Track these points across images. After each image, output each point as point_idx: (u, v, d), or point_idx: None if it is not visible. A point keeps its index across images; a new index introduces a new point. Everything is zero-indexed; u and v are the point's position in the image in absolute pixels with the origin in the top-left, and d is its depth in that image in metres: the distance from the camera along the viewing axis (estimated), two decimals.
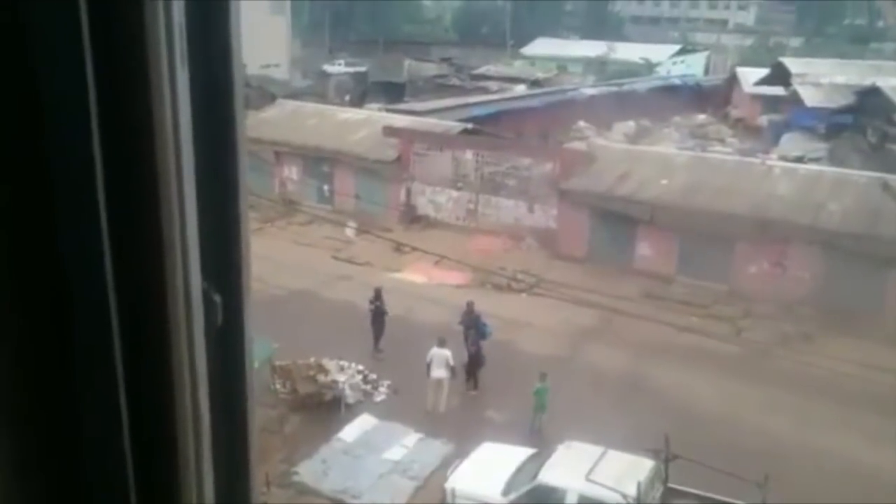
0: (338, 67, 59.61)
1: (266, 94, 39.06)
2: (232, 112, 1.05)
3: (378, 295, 20.04)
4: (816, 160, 30.72)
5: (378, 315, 19.87)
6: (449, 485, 13.85)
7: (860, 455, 15.89)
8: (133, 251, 0.91)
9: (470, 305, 19.44)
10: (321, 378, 17.61)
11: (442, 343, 17.47)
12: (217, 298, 1.07)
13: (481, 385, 18.41)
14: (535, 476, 13.51)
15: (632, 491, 12.42)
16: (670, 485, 13.47)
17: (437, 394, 17.40)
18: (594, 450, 13.74)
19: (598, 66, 63.05)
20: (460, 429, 16.67)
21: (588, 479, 12.89)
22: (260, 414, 16.29)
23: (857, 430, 16.77)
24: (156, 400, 0.97)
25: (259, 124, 34.09)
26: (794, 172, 26.12)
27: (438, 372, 17.30)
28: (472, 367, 18.33)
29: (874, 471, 15.43)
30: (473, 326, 18.74)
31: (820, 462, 15.65)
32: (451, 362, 17.30)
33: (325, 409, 17.24)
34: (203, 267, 0.99)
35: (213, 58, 1.01)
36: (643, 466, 13.20)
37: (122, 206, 0.88)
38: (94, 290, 0.89)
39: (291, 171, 32.66)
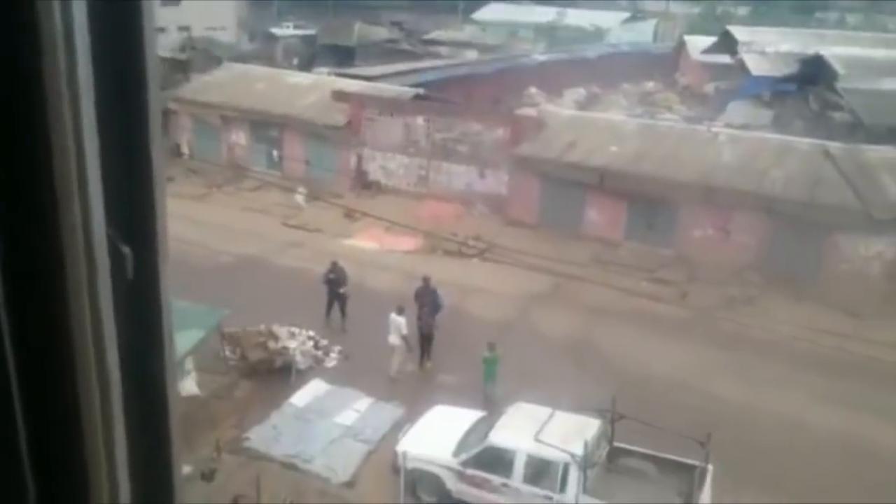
0: (286, 30, 58.49)
1: (212, 57, 38.29)
2: (142, 49, 0.96)
3: (334, 267, 19.75)
4: (761, 128, 31.26)
5: (334, 286, 19.66)
6: (400, 447, 13.99)
7: (802, 414, 16.45)
8: (23, 197, 0.84)
9: (426, 280, 18.87)
10: (271, 345, 17.56)
11: (400, 311, 17.49)
12: (126, 250, 0.97)
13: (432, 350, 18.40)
14: (485, 437, 13.72)
15: (579, 450, 12.71)
16: (616, 444, 13.83)
17: (392, 359, 17.45)
18: (542, 411, 14.00)
19: (549, 32, 62.98)
20: (413, 394, 16.80)
21: (536, 440, 13.14)
22: (210, 381, 16.24)
23: (798, 389, 17.35)
24: (52, 372, 0.87)
25: (205, 88, 33.45)
26: (739, 140, 26.58)
27: (392, 338, 17.37)
28: (426, 345, 18.07)
29: (815, 428, 16.02)
30: (429, 302, 18.29)
31: (762, 421, 16.17)
32: (405, 331, 17.33)
33: (276, 376, 17.21)
34: (110, 215, 0.91)
35: None
36: (590, 426, 13.49)
37: (8, 150, 0.83)
38: None
39: (239, 136, 32.15)
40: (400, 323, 17.33)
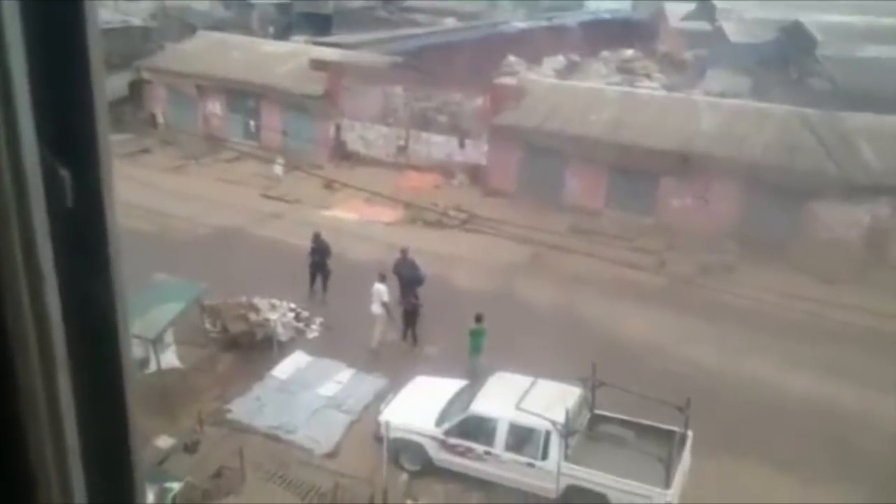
0: None
1: (186, 25, 37.63)
2: None
3: (317, 239, 19.56)
4: (740, 95, 31.31)
5: (318, 258, 19.54)
6: (383, 417, 14.05)
7: (779, 379, 16.68)
8: None
9: (404, 252, 18.66)
10: (252, 317, 17.50)
11: (381, 279, 17.44)
12: (64, 173, 0.85)
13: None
14: (467, 406, 13.81)
15: (560, 418, 12.83)
16: (597, 411, 13.97)
17: (374, 329, 17.43)
18: (524, 380, 14.10)
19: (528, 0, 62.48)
20: (395, 365, 16.81)
21: (518, 408, 13.25)
22: (191, 354, 16.19)
23: (775, 355, 17.57)
24: None
25: (180, 57, 32.95)
26: (718, 107, 26.62)
27: (374, 307, 17.33)
28: (410, 323, 17.71)
29: (792, 393, 16.26)
30: (408, 275, 18.06)
31: (740, 386, 16.39)
32: (385, 298, 17.29)
33: (258, 348, 17.18)
34: (43, 134, 0.80)
35: None
36: (571, 394, 13.61)
37: None
38: None
39: (215, 106, 31.77)
40: (381, 291, 17.29)
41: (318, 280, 19.50)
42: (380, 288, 17.31)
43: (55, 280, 0.81)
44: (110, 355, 0.93)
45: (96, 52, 0.88)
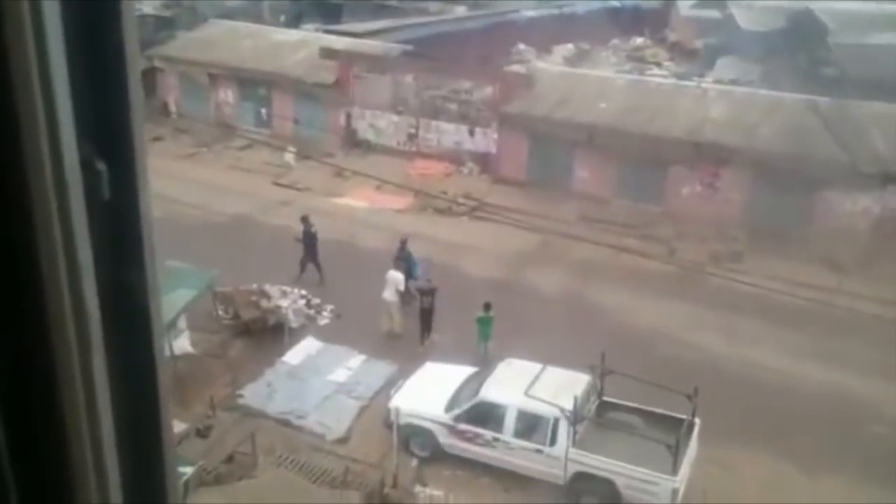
0: None
1: (198, 13, 37.68)
2: None
3: (306, 222, 19.74)
4: (750, 83, 31.19)
5: (309, 240, 19.68)
6: (393, 403, 14.20)
7: (788, 367, 16.75)
8: None
9: (403, 243, 18.80)
10: (264, 303, 17.67)
11: (398, 266, 17.58)
12: (101, 167, 0.87)
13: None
14: (476, 393, 13.95)
15: (568, 405, 12.96)
16: (605, 398, 14.09)
17: (388, 316, 17.57)
18: (533, 367, 14.22)
19: None
20: (405, 353, 16.93)
21: (527, 395, 13.38)
22: (203, 340, 16.38)
23: (784, 343, 17.63)
24: (20, 318, 0.77)
25: (192, 45, 33.04)
26: (728, 95, 26.55)
27: (388, 294, 17.47)
28: (426, 321, 17.43)
29: (801, 382, 16.33)
30: (405, 267, 18.07)
31: (747, 374, 16.46)
32: (402, 287, 17.41)
33: (269, 334, 17.36)
34: (81, 130, 0.82)
35: None
36: (580, 381, 13.72)
37: None
38: None
39: (227, 94, 31.85)
40: (398, 279, 17.41)
41: (310, 265, 19.57)
42: (396, 276, 17.43)
43: (92, 270, 0.84)
44: (144, 341, 0.97)
45: (132, 48, 0.91)
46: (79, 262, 0.81)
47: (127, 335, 0.93)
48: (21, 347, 0.78)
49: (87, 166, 0.83)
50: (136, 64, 0.91)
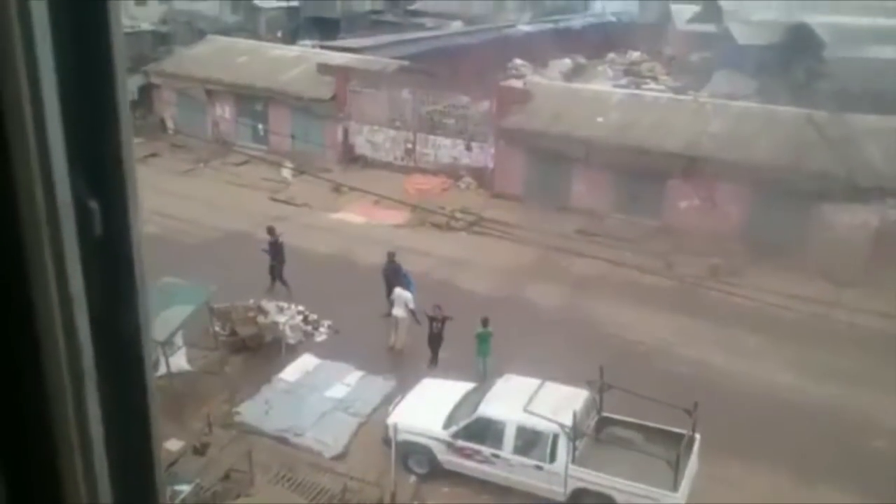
0: (269, 2, 57.69)
1: (194, 29, 37.84)
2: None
3: (273, 232, 19.76)
4: (746, 97, 31.27)
5: (276, 250, 19.66)
6: (391, 420, 14.10)
7: (786, 381, 16.68)
8: None
9: (391, 256, 18.79)
10: (261, 319, 17.60)
11: (405, 286, 17.57)
12: (94, 205, 0.88)
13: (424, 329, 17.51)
14: (475, 409, 13.85)
15: (568, 421, 12.87)
16: (604, 414, 14.00)
17: (394, 332, 17.50)
18: (532, 382, 14.13)
19: (534, 2, 62.53)
20: (403, 368, 16.86)
21: (526, 411, 13.29)
22: (200, 356, 16.27)
23: (782, 357, 17.57)
24: (14, 348, 0.78)
25: (189, 61, 33.12)
26: (725, 109, 26.60)
27: (397, 311, 17.43)
28: (434, 345, 17.07)
29: (799, 396, 16.25)
30: (397, 282, 17.92)
31: (747, 388, 16.39)
32: (412, 305, 17.32)
33: (266, 351, 17.27)
34: (73, 166, 0.83)
35: None
36: (579, 397, 13.64)
37: None
38: None
39: (224, 110, 31.90)
40: (406, 297, 17.34)
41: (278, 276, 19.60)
42: (405, 294, 17.37)
43: (84, 302, 0.85)
44: (134, 368, 0.99)
45: (122, 87, 0.92)
46: (71, 294, 0.82)
47: (118, 361, 0.95)
48: (13, 377, 0.80)
49: (79, 204, 0.84)
50: (126, 103, 0.93)
